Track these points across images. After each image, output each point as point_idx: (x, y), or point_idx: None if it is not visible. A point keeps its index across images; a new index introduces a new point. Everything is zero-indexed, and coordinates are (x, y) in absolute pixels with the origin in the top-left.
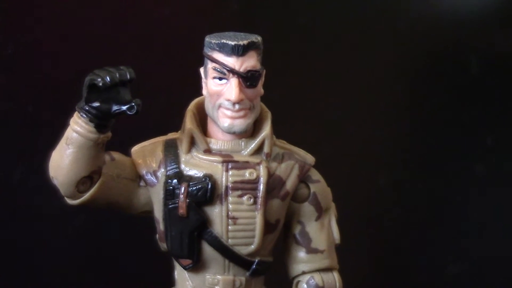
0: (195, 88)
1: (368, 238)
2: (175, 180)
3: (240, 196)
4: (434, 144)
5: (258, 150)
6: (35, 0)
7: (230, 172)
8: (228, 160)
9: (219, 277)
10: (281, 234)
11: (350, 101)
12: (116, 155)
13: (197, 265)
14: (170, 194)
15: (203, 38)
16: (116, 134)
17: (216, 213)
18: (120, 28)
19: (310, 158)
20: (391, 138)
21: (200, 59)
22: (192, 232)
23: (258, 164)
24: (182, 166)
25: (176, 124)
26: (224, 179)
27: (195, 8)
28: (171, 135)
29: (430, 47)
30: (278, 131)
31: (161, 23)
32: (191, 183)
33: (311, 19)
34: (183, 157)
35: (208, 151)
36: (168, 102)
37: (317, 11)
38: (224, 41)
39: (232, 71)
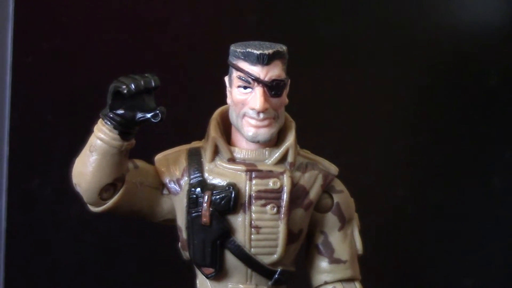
0: (220, 97)
1: (385, 250)
2: (198, 189)
3: (264, 205)
4: (452, 157)
5: (282, 159)
6: (54, 9)
7: (253, 181)
8: (252, 169)
9: (241, 286)
10: (304, 244)
11: (369, 113)
12: (140, 163)
13: (219, 274)
14: (193, 203)
15: (221, 46)
16: (139, 142)
17: (239, 222)
18: (140, 37)
19: (333, 168)
20: (409, 151)
21: (220, 68)
22: (215, 241)
23: (282, 173)
24: (206, 175)
25: (199, 133)
26: (247, 188)
27: (215, 16)
28: (194, 144)
29: (449, 59)
30: (298, 142)
31: (180, 31)
32: (214, 192)
33: (329, 31)
34: (207, 166)
35: (232, 160)
36: (192, 111)
37: (335, 23)
38: (249, 50)
39: (257, 80)
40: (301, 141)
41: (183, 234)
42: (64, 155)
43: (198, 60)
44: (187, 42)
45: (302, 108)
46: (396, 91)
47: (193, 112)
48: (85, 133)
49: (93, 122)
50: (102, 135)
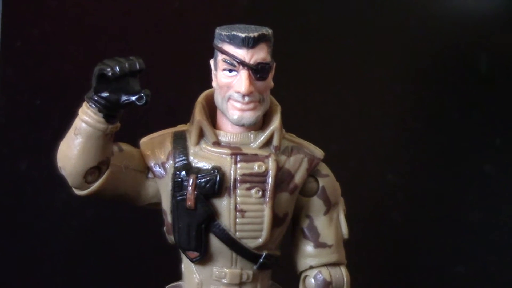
0: (205, 80)
1: (375, 235)
2: (183, 172)
3: (249, 189)
4: (442, 143)
5: (267, 143)
6: None
7: (238, 165)
8: (237, 153)
9: (226, 270)
10: (289, 228)
11: (359, 98)
12: (125, 146)
13: (204, 258)
14: (178, 186)
15: (212, 30)
16: (125, 125)
17: (224, 205)
18: (129, 20)
19: (319, 152)
20: (400, 136)
21: (209, 52)
22: (199, 225)
23: (267, 157)
24: (191, 158)
25: (185, 116)
26: (232, 171)
27: (204, 0)
28: (180, 127)
29: (439, 46)
30: (286, 127)
31: (170, 15)
32: (199, 175)
33: (320, 16)
34: (192, 149)
35: (217, 143)
36: (177, 94)
37: (326, 8)
38: (235, 33)
39: (242, 63)
40: (289, 126)
41: (168, 218)
42: (52, 140)
43: (186, 44)
44: (176, 26)
45: (287, 94)
46: (386, 76)
47: (179, 95)
48: (73, 118)
49: (80, 107)
50: (86, 118)
